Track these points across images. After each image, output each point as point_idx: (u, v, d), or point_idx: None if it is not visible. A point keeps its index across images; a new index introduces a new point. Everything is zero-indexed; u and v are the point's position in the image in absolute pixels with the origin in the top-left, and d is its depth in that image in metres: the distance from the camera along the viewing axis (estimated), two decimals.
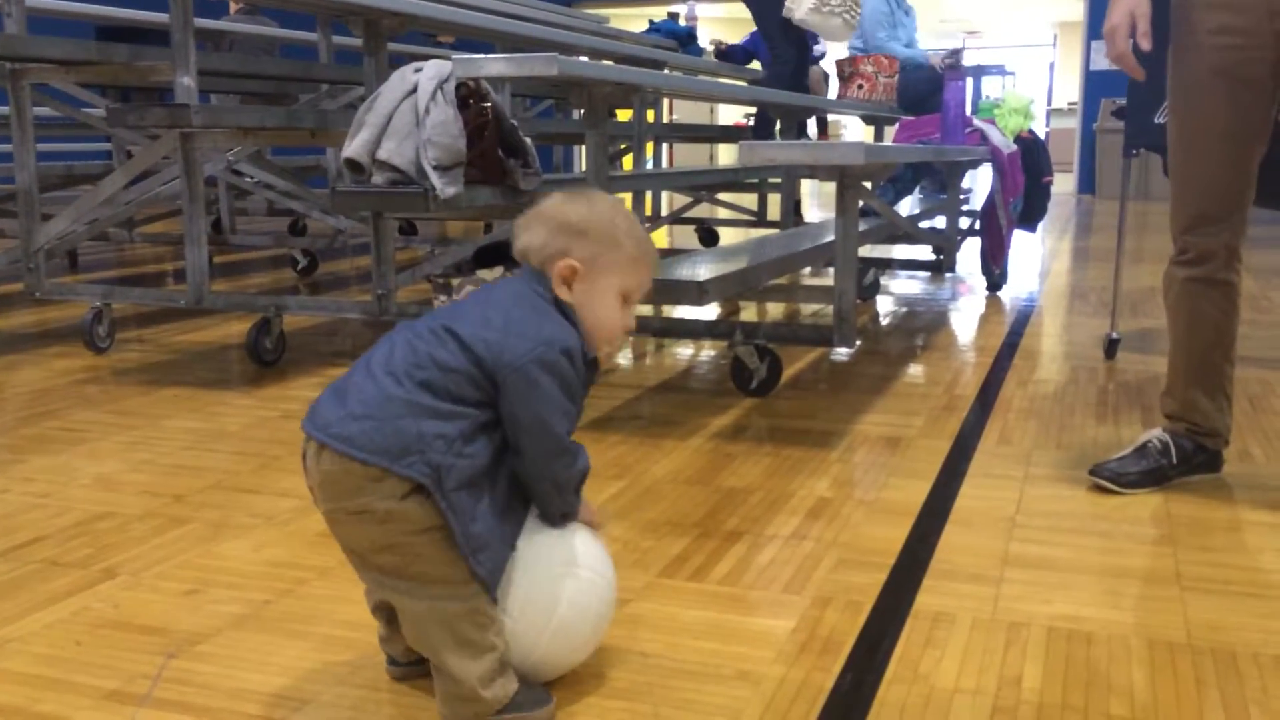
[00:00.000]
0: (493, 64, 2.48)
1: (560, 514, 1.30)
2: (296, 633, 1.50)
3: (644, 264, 1.32)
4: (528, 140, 2.58)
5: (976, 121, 4.56)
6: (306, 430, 1.21)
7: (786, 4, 5.27)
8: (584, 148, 3.42)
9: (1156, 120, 2.91)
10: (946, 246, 4.62)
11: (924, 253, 5.14)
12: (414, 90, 2.38)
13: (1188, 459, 2.11)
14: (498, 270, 2.28)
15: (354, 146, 2.40)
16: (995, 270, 4.70)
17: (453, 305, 1.31)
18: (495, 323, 1.22)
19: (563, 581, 1.28)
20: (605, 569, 1.34)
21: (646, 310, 3.24)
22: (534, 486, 1.27)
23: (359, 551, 1.23)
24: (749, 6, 5.98)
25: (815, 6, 5.15)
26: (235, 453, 2.36)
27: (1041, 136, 5.04)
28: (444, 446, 1.18)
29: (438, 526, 1.18)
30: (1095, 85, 11.09)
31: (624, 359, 3.36)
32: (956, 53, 5.73)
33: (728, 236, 6.46)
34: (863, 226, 3.26)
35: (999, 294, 4.72)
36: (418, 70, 2.41)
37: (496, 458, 1.23)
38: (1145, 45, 1.93)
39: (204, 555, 1.78)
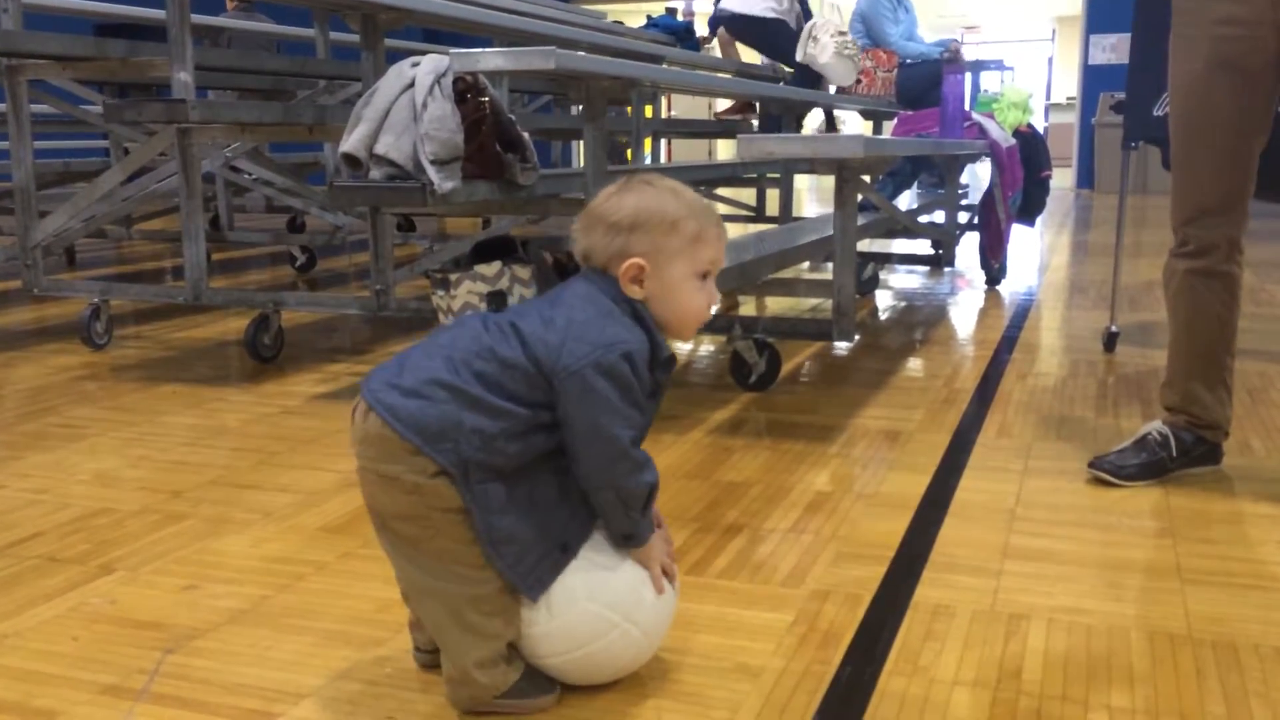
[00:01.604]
0: (490, 58, 2.47)
1: (624, 534, 1.25)
2: (294, 628, 1.50)
3: (708, 237, 1.28)
4: (525, 135, 2.58)
5: (975, 116, 4.55)
6: (361, 390, 1.22)
7: (807, 50, 5.30)
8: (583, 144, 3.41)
9: (1156, 113, 2.90)
10: (945, 241, 4.62)
11: (923, 247, 5.14)
12: (411, 85, 2.37)
13: (1187, 451, 2.11)
14: (496, 265, 2.28)
15: (351, 141, 2.39)
16: (994, 264, 4.70)
17: (523, 303, 1.29)
18: (557, 324, 1.20)
19: (605, 627, 1.25)
20: (654, 628, 1.29)
21: None
22: (595, 496, 1.23)
23: (382, 514, 1.23)
24: (748, 42, 6.00)
25: (837, 50, 5.20)
26: (234, 449, 2.36)
27: (1040, 131, 5.03)
28: (479, 442, 1.17)
29: (462, 509, 1.18)
30: (1094, 80, 11.08)
31: None
32: (955, 44, 5.75)
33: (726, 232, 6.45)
34: (861, 221, 3.26)
35: (998, 288, 4.71)
36: (415, 65, 2.40)
37: (544, 458, 1.21)
38: None
39: (202, 551, 1.78)
